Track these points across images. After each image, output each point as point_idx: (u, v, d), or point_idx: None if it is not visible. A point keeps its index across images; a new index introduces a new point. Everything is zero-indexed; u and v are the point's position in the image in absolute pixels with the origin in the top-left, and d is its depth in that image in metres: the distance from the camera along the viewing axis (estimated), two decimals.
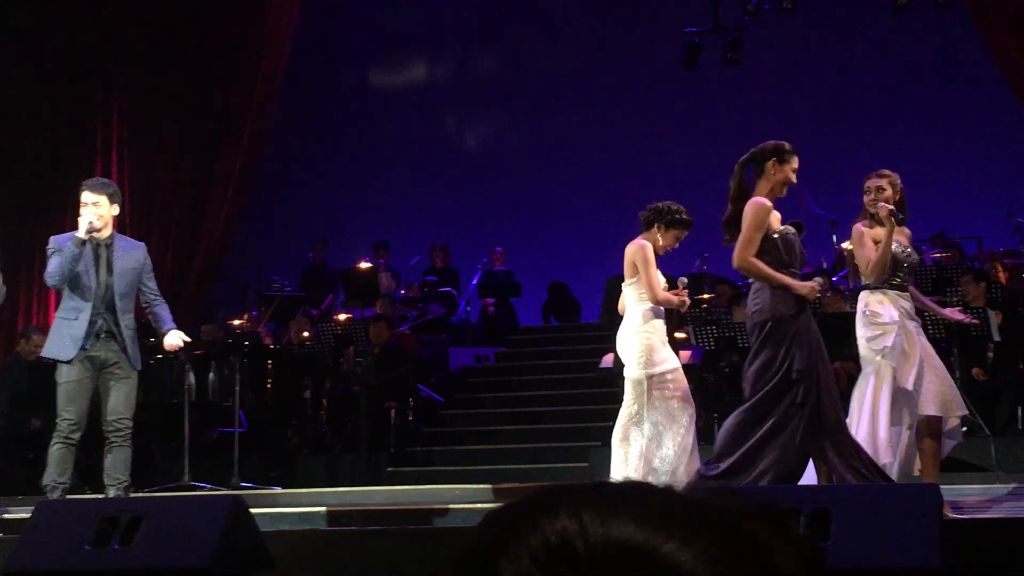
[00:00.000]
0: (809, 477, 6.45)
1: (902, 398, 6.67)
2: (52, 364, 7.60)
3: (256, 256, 15.99)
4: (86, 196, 7.46)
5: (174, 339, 7.72)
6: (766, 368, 6.38)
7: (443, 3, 18.42)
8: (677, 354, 7.55)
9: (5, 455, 11.14)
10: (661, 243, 7.33)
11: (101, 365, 7.43)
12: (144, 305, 7.75)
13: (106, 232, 7.48)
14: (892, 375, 6.67)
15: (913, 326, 6.85)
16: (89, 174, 10.11)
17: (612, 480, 0.98)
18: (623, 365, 7.32)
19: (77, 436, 7.41)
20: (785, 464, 6.31)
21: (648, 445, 7.10)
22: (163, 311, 7.73)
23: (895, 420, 6.66)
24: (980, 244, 13.98)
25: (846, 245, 12.43)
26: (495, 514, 0.94)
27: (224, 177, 14.14)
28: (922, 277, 10.79)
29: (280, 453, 11.60)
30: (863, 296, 6.91)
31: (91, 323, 7.38)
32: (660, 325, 7.30)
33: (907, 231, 7.08)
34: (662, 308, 7.30)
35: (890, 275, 6.83)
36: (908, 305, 6.86)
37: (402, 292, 15.07)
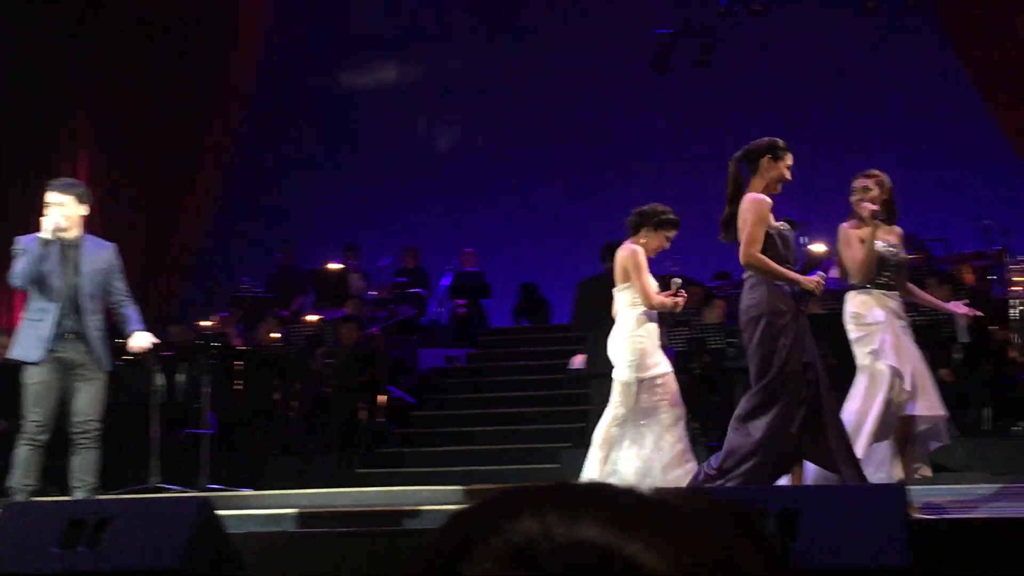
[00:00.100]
0: (808, 473, 6.45)
1: (894, 410, 6.66)
2: (18, 365, 7.53)
3: (225, 257, 15.91)
4: (51, 197, 7.41)
5: (141, 340, 7.67)
6: (765, 363, 6.36)
7: (413, 5, 18.38)
8: None
9: None
10: (651, 245, 7.32)
11: (69, 366, 7.37)
12: (112, 306, 7.68)
13: (74, 232, 7.42)
14: (889, 377, 6.66)
15: (901, 326, 6.85)
16: (57, 175, 10.02)
17: (576, 481, 0.97)
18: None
19: (43, 438, 7.34)
20: (780, 456, 6.33)
21: (631, 447, 7.09)
22: (132, 312, 7.66)
23: (882, 435, 6.65)
24: (948, 246, 14.03)
25: (813, 247, 12.51)
26: (458, 516, 0.93)
27: (193, 178, 14.07)
28: None
29: (249, 454, 11.55)
30: (849, 297, 6.92)
31: (58, 324, 7.32)
32: (654, 329, 7.30)
33: (898, 230, 7.06)
34: (656, 312, 7.29)
35: (876, 274, 6.84)
36: (896, 304, 6.86)
37: (372, 293, 15.03)
